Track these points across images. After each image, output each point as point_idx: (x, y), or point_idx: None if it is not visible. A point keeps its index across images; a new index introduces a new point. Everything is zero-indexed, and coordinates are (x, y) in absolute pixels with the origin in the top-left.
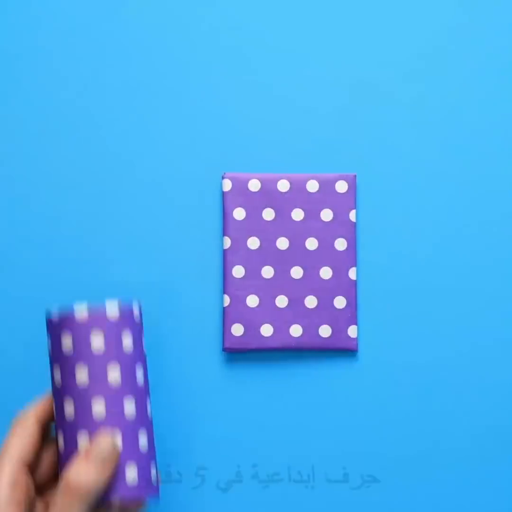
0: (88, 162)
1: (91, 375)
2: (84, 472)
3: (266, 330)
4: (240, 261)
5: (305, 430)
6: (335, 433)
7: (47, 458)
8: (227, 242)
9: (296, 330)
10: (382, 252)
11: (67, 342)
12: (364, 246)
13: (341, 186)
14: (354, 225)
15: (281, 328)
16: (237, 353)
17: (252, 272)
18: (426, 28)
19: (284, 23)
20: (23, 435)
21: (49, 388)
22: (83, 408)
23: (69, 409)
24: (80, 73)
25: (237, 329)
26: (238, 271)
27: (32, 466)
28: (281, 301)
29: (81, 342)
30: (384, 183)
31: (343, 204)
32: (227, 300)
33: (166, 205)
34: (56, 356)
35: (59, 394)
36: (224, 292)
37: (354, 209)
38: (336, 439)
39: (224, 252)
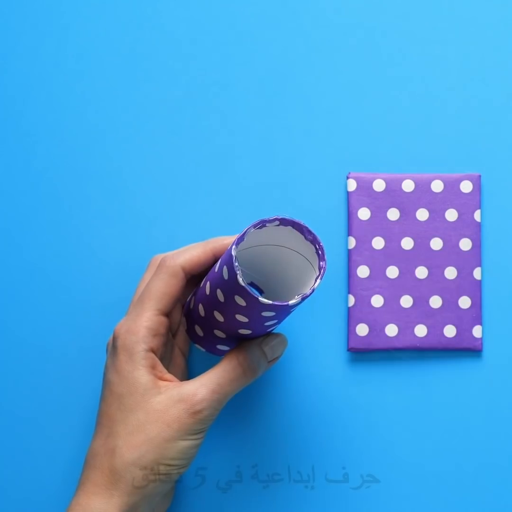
0: (211, 163)
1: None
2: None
3: (391, 330)
4: (364, 261)
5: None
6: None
7: (180, 308)
8: (352, 242)
9: (420, 330)
10: (507, 252)
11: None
12: (489, 246)
13: (466, 186)
14: (479, 225)
15: (405, 328)
16: (362, 353)
17: (377, 272)
18: None
19: (419, 22)
20: (169, 283)
21: (200, 241)
22: (231, 321)
23: (219, 317)
24: (204, 72)
25: (362, 329)
26: (362, 271)
27: (168, 312)
28: (406, 301)
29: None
30: (509, 183)
31: (468, 204)
32: (351, 300)
33: (291, 205)
34: (229, 286)
35: (215, 304)
36: (349, 292)
37: (479, 209)
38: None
39: (349, 252)
